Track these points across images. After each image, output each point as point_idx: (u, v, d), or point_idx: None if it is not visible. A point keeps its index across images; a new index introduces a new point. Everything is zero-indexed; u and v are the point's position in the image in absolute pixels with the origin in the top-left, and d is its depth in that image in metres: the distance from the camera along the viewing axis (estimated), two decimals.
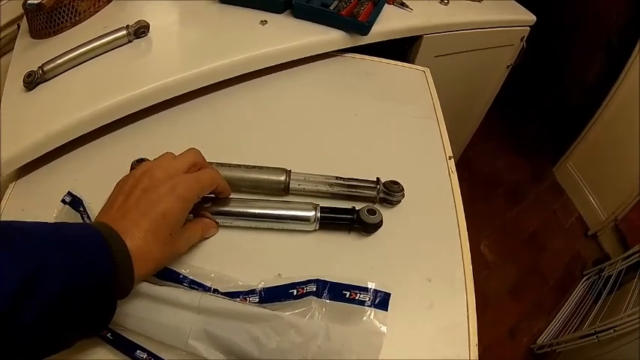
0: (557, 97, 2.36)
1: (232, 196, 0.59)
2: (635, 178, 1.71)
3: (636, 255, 1.58)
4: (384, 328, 0.48)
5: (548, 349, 1.53)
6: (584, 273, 1.81)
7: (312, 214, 0.56)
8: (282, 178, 0.60)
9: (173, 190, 0.44)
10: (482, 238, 1.87)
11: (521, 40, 1.27)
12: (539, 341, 1.58)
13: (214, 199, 0.57)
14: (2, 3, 0.95)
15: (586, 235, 1.96)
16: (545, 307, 1.70)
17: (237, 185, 0.60)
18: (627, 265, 1.60)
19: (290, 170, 0.61)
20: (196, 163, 0.51)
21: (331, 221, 0.57)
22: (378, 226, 0.58)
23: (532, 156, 2.27)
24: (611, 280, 1.59)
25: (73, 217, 0.58)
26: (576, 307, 1.66)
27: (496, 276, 1.75)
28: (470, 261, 0.59)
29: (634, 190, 1.73)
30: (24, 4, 0.82)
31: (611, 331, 1.31)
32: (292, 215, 0.56)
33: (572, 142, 2.06)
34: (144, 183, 0.45)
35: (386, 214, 0.59)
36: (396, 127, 0.79)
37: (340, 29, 0.88)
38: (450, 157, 0.72)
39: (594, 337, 1.36)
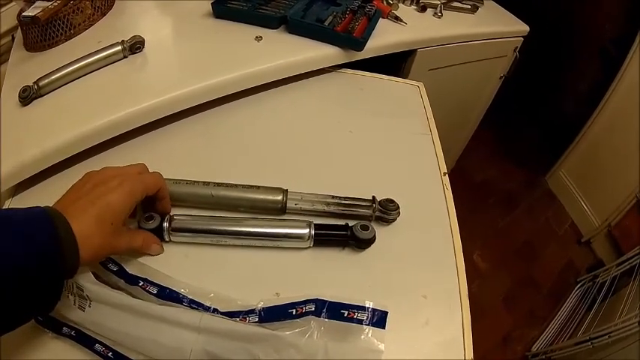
0: (549, 104, 2.38)
1: (227, 215, 0.59)
2: (629, 185, 1.72)
3: (630, 261, 1.58)
4: (381, 346, 0.49)
5: (543, 357, 1.53)
6: (577, 280, 1.81)
7: (306, 231, 0.57)
8: (279, 197, 0.60)
9: (121, 185, 0.49)
10: (475, 248, 1.88)
11: (515, 50, 1.28)
12: (534, 349, 1.59)
13: (206, 217, 0.58)
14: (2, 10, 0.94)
15: (579, 242, 1.97)
16: (540, 314, 1.71)
17: (234, 205, 0.60)
18: (621, 271, 1.60)
19: (287, 190, 0.61)
20: (143, 170, 0.56)
21: (325, 237, 0.58)
22: (371, 241, 0.58)
23: (524, 164, 2.28)
24: (605, 287, 1.59)
25: None
26: (570, 313, 1.66)
27: (489, 285, 1.75)
28: (465, 276, 0.60)
29: (627, 196, 1.74)
30: (19, 16, 0.81)
31: (606, 337, 1.31)
32: (287, 233, 0.57)
33: (565, 149, 2.07)
34: (96, 179, 0.49)
35: (382, 231, 0.60)
36: (390, 144, 0.80)
37: (335, 45, 0.88)
38: (444, 174, 0.73)
39: (589, 343, 1.36)
